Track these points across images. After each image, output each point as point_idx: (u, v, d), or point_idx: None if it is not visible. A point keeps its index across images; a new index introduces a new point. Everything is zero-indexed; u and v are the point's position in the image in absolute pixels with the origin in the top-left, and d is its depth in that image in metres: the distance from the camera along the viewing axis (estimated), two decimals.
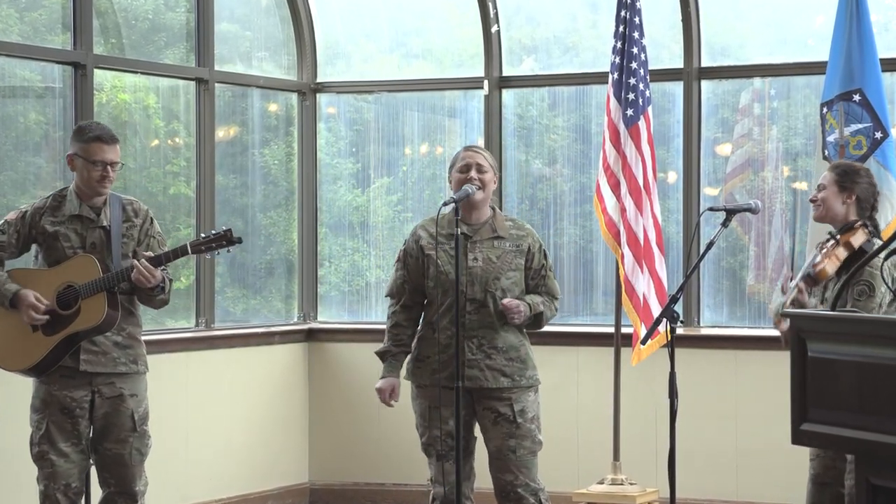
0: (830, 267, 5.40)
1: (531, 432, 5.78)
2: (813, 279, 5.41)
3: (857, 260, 5.35)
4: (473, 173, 5.80)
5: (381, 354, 5.99)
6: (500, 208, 6.09)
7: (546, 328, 6.13)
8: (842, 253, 5.43)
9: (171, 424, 7.91)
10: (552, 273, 5.95)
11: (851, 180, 5.60)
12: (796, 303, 5.41)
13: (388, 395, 5.93)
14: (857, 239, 5.45)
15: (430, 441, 5.83)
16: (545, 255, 5.93)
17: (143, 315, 7.87)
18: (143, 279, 5.66)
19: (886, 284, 5.34)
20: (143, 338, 7.61)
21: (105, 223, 5.81)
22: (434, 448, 5.83)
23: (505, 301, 5.72)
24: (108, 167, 5.77)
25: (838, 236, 5.51)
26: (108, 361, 5.79)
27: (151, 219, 5.95)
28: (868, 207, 5.60)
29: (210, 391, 8.28)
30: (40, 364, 5.73)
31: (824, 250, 5.50)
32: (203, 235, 5.86)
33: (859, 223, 5.50)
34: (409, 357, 5.96)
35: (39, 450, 5.78)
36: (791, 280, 5.53)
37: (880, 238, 5.53)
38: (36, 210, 5.86)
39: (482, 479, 6.06)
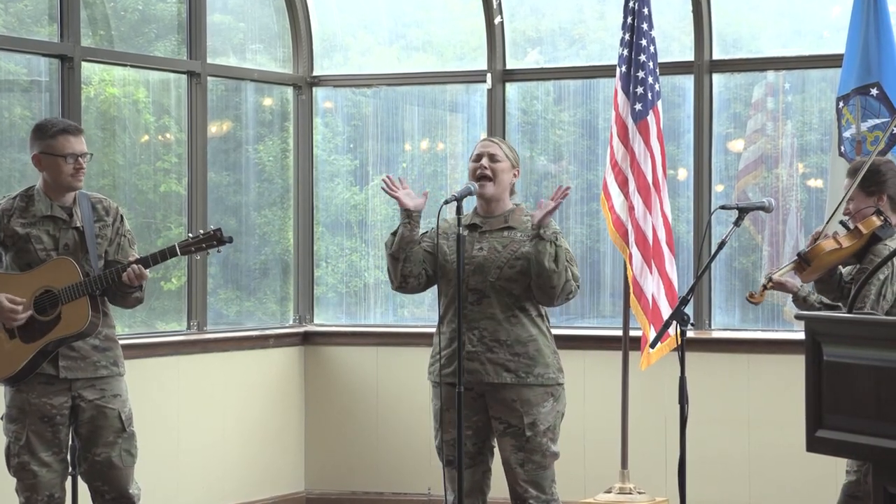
0: (827, 245, 5.40)
1: (542, 446, 5.71)
2: (804, 259, 5.42)
3: (871, 247, 5.44)
4: (484, 162, 5.80)
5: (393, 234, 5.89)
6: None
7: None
8: (845, 239, 5.44)
9: (162, 431, 7.91)
10: (572, 262, 5.77)
11: (875, 181, 5.60)
12: (783, 284, 5.46)
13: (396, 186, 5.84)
14: (869, 224, 5.46)
15: (440, 445, 5.80)
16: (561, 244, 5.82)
17: (132, 318, 7.92)
18: (136, 281, 5.66)
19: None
20: (133, 341, 7.67)
21: (78, 224, 5.78)
22: (443, 453, 5.79)
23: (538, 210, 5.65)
24: (80, 158, 5.75)
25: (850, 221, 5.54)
26: (87, 366, 5.77)
27: (122, 217, 5.92)
28: None
29: (202, 397, 8.28)
30: (20, 373, 5.71)
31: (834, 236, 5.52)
32: (192, 235, 5.84)
33: (873, 210, 5.51)
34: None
35: (20, 461, 5.75)
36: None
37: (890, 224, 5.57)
38: (3, 212, 5.79)
39: (497, 489, 6.01)
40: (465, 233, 5.78)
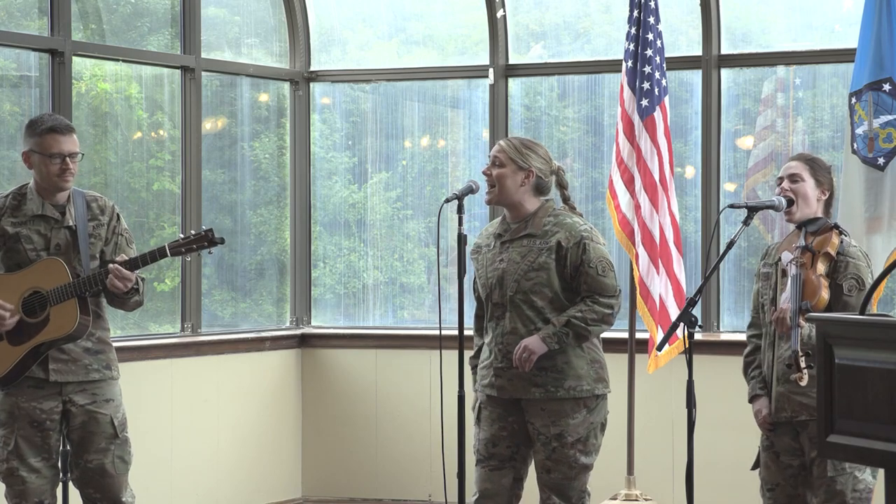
0: (826, 293, 5.42)
1: (568, 458, 5.67)
2: (811, 311, 5.42)
3: (835, 263, 5.48)
4: (484, 168, 5.77)
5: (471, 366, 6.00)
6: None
7: None
8: (823, 270, 5.45)
9: (156, 436, 7.91)
10: (597, 269, 5.65)
11: (826, 174, 5.66)
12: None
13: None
14: (834, 246, 5.47)
15: (475, 444, 5.81)
16: (585, 250, 5.64)
17: (124, 319, 7.92)
18: (120, 285, 5.63)
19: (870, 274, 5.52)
20: (125, 344, 7.67)
21: (71, 223, 5.77)
22: (477, 452, 5.79)
23: (513, 356, 5.65)
24: (67, 159, 5.73)
25: (811, 244, 5.51)
26: (79, 369, 5.76)
27: (118, 215, 5.91)
28: (830, 205, 5.68)
29: (196, 400, 8.28)
30: (7, 375, 5.70)
31: (800, 262, 5.48)
32: (182, 236, 5.81)
33: (833, 228, 5.53)
34: None
35: (8, 466, 5.74)
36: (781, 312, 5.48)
37: (847, 234, 5.61)
38: None
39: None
40: (492, 243, 5.77)
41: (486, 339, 5.78)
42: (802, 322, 5.33)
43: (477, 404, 5.82)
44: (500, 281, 5.70)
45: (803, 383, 5.27)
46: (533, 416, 5.70)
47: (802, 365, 5.24)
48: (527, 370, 5.60)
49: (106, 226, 5.85)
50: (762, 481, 5.72)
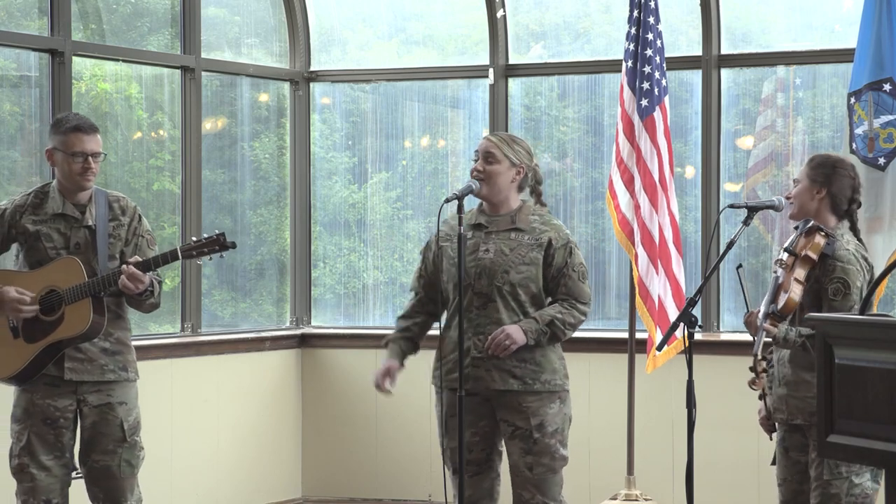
0: (796, 294, 5.40)
1: (550, 448, 5.68)
2: (779, 316, 5.40)
3: (824, 266, 5.44)
4: (478, 164, 5.76)
5: (384, 344, 5.97)
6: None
7: None
8: (801, 273, 5.43)
9: (156, 436, 7.90)
10: (579, 274, 5.73)
11: (824, 174, 5.63)
12: (771, 342, 5.42)
13: (381, 378, 5.86)
14: (816, 248, 5.45)
15: (445, 451, 5.77)
16: (571, 254, 5.72)
17: None
18: (131, 286, 5.64)
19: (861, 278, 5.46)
20: None
21: (90, 222, 5.80)
22: (450, 460, 5.77)
23: (490, 337, 5.65)
24: (90, 158, 5.77)
25: (794, 246, 5.51)
26: (94, 369, 5.78)
27: (140, 216, 5.94)
28: (844, 202, 5.61)
29: (197, 400, 8.28)
30: (22, 373, 5.72)
31: (784, 265, 5.47)
32: (194, 239, 5.82)
33: (818, 230, 5.51)
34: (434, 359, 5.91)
35: (19, 462, 5.76)
36: (758, 314, 5.48)
37: (856, 231, 5.57)
38: (17, 208, 5.83)
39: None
40: (470, 233, 5.76)
41: (448, 332, 5.75)
42: (768, 326, 5.34)
43: (442, 411, 5.77)
44: (485, 270, 5.70)
45: (756, 388, 5.29)
46: (507, 413, 5.69)
47: (759, 369, 5.25)
48: (501, 356, 5.61)
49: (126, 226, 5.88)
50: (777, 476, 5.75)
